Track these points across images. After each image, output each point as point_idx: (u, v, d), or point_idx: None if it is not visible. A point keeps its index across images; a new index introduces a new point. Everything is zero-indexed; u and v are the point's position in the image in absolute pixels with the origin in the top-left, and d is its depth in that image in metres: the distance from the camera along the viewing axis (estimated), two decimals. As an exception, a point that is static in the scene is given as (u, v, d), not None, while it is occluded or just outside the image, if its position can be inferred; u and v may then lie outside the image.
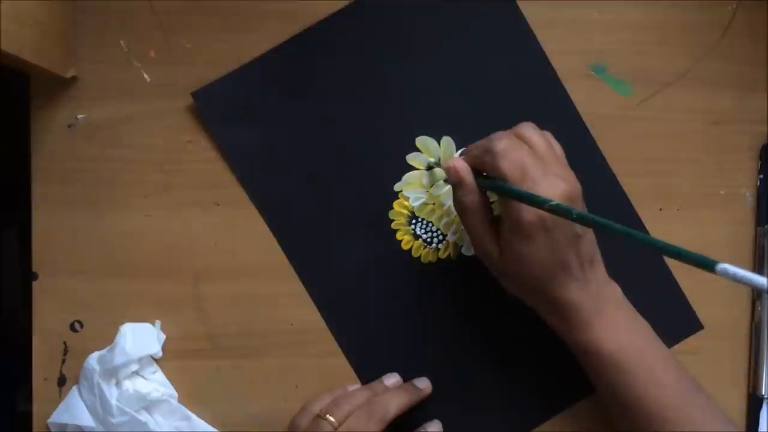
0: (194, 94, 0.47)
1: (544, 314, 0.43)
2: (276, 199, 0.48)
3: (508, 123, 0.43)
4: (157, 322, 0.48)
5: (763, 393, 0.48)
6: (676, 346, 0.49)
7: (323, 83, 0.48)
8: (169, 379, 0.48)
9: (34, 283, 0.48)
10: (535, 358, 0.48)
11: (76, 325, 0.48)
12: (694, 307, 0.49)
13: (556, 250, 0.39)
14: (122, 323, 0.47)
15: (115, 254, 0.48)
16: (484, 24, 0.48)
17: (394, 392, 0.45)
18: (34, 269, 0.48)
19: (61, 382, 0.48)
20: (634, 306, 0.44)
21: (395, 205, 0.48)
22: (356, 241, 0.48)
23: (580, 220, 0.36)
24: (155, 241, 0.48)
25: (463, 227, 0.45)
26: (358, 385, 0.48)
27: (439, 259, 0.49)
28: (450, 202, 0.48)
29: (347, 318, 0.48)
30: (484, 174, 0.42)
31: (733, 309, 0.49)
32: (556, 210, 0.37)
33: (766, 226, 0.49)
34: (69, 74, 0.47)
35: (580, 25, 0.49)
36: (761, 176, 0.49)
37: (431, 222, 0.48)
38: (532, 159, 0.39)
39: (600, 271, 0.42)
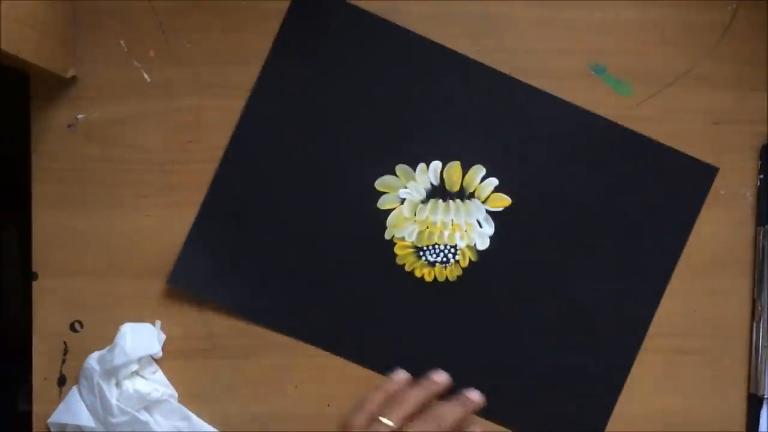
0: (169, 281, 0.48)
1: None
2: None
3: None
4: (157, 322, 0.48)
5: (763, 393, 0.48)
6: (677, 346, 0.49)
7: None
8: (169, 379, 0.48)
9: (34, 283, 0.48)
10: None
11: (76, 325, 0.48)
12: (694, 307, 0.49)
13: None
14: (122, 323, 0.47)
15: (115, 254, 0.48)
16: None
17: (455, 407, 0.44)
18: (34, 269, 0.48)
19: (61, 382, 0.48)
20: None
21: (397, 250, 0.48)
22: (382, 299, 0.48)
23: None
24: (155, 241, 0.48)
25: (465, 226, 0.44)
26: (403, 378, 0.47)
27: (465, 269, 0.48)
28: (439, 216, 0.48)
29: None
30: None
31: (733, 309, 0.49)
32: None
33: (766, 226, 0.49)
34: (69, 74, 0.47)
35: (580, 25, 0.49)
36: (761, 176, 0.49)
37: (437, 244, 0.48)
38: None
39: None
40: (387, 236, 0.48)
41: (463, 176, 0.48)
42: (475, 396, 0.46)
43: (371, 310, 0.48)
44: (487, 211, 0.48)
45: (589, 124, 0.48)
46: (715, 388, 0.49)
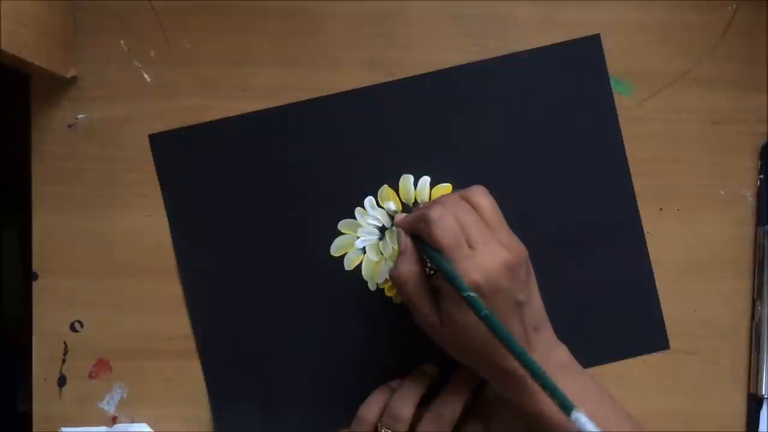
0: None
1: (491, 381, 0.41)
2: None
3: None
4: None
5: (763, 393, 0.48)
6: (677, 346, 0.49)
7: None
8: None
9: (34, 283, 0.48)
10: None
11: (76, 325, 0.48)
12: (694, 307, 0.49)
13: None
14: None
15: (115, 254, 0.48)
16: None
17: (451, 395, 0.44)
18: (34, 269, 0.48)
19: (61, 382, 0.48)
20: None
21: (388, 293, 0.48)
22: (401, 342, 0.48)
23: (485, 321, 0.35)
24: (155, 241, 0.48)
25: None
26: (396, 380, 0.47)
27: None
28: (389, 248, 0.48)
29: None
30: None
31: (733, 309, 0.49)
32: (469, 301, 0.36)
33: (766, 226, 0.49)
34: (69, 74, 0.47)
35: (580, 25, 0.49)
36: (761, 176, 0.49)
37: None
38: (477, 225, 0.39)
39: (547, 335, 0.41)
40: (372, 287, 0.48)
41: (397, 193, 0.48)
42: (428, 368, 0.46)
43: (396, 360, 0.48)
44: None
45: (452, 78, 0.48)
46: (715, 388, 0.49)
